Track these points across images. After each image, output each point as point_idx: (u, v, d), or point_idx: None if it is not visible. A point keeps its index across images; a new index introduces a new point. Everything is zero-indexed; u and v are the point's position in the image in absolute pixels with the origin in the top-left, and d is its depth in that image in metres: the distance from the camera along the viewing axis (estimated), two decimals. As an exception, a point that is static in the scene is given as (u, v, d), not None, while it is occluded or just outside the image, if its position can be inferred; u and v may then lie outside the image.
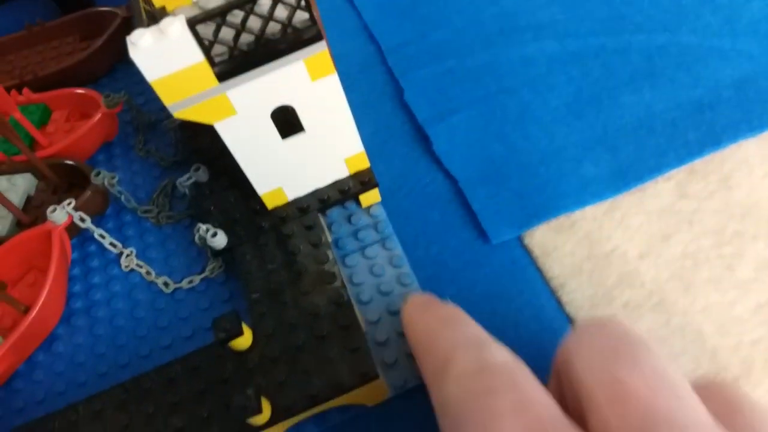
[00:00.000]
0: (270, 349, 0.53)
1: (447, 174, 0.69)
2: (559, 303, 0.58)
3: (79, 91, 0.78)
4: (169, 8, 0.54)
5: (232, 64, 0.49)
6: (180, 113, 0.50)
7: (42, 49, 0.89)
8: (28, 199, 0.74)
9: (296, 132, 0.57)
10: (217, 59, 0.48)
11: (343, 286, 0.56)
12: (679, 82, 0.69)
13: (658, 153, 0.64)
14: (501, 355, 0.41)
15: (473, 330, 0.45)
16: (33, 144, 0.76)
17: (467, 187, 0.66)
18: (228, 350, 0.53)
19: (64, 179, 0.74)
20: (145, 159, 0.77)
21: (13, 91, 0.79)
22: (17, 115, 0.72)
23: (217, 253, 0.62)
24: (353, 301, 0.58)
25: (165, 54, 0.45)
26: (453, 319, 0.47)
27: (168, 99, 0.48)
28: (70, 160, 0.72)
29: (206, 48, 0.47)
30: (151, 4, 0.53)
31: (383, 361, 0.55)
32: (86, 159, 0.78)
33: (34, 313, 0.61)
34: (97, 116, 0.75)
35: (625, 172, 0.63)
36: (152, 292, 0.66)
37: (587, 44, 0.75)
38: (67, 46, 0.88)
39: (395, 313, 0.57)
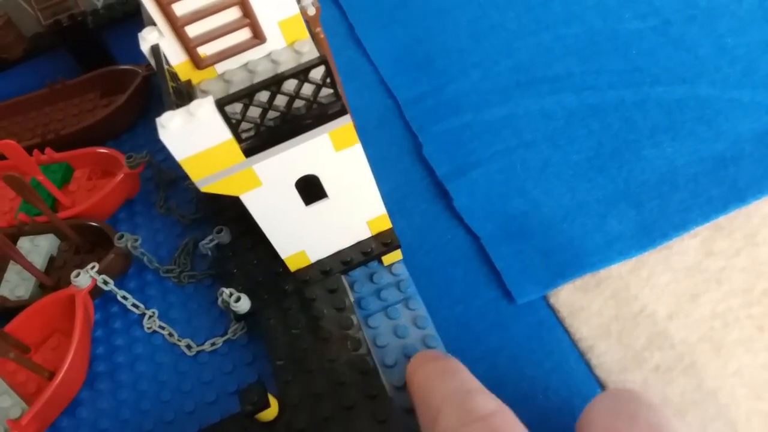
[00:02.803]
0: (297, 421, 0.53)
1: (468, 230, 0.68)
2: (588, 366, 0.57)
3: (102, 150, 0.79)
4: (194, 81, 0.55)
5: (259, 140, 0.49)
6: (207, 188, 0.50)
7: (63, 107, 0.90)
8: (51, 260, 0.74)
9: (320, 198, 0.57)
10: (243, 135, 0.49)
11: (369, 353, 0.56)
12: (700, 136, 0.69)
13: (683, 209, 0.63)
14: (486, 406, 0.44)
15: (464, 381, 0.47)
16: (55, 204, 0.77)
17: (490, 244, 0.66)
18: (254, 421, 0.53)
19: (86, 239, 0.74)
20: (166, 216, 0.78)
21: (36, 152, 0.80)
22: (40, 177, 0.73)
23: (240, 317, 0.62)
24: (378, 366, 0.57)
25: (194, 135, 0.45)
26: (447, 371, 0.49)
27: (195, 175, 0.49)
28: (94, 221, 0.73)
29: (234, 127, 0.47)
30: (177, 78, 0.54)
31: (411, 429, 0.54)
32: (108, 217, 0.79)
33: (58, 379, 0.61)
34: (120, 176, 0.75)
35: (650, 229, 0.63)
36: (175, 355, 0.66)
37: (605, 97, 0.75)
38: (88, 103, 0.90)
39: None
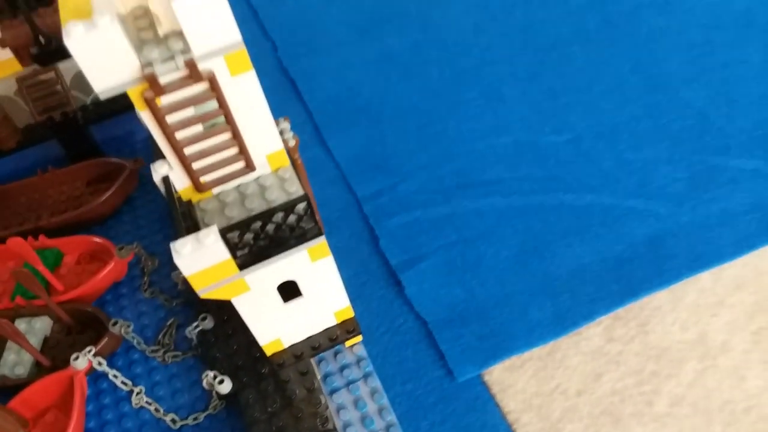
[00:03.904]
0: (275, 488, 0.63)
1: (418, 316, 0.81)
2: (514, 435, 0.70)
3: (96, 240, 0.88)
4: (194, 200, 0.67)
5: (250, 256, 0.61)
6: (206, 294, 0.61)
7: (52, 194, 0.99)
8: (45, 340, 0.82)
9: (295, 296, 0.69)
10: (238, 254, 0.60)
11: (335, 428, 0.67)
12: (603, 238, 0.85)
13: (589, 301, 0.78)
14: None
15: None
16: (48, 287, 0.85)
17: (435, 329, 0.79)
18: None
19: (77, 320, 0.83)
20: (151, 299, 0.87)
21: (30, 238, 0.88)
22: (40, 267, 0.82)
23: (222, 397, 0.72)
24: (342, 435, 0.68)
25: (201, 257, 0.57)
26: None
27: (198, 286, 0.60)
28: (87, 306, 0.81)
29: (232, 249, 0.59)
30: (181, 201, 0.65)
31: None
32: (96, 299, 0.87)
33: (57, 454, 0.69)
34: (111, 265, 0.85)
35: (563, 318, 0.77)
36: (161, 429, 0.75)
37: (528, 201, 0.91)
38: (75, 191, 0.99)
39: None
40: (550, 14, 1.21)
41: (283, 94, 1.16)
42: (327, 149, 1.04)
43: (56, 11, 0.85)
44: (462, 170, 0.97)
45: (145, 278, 0.89)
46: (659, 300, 0.78)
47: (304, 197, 0.60)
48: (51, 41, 0.84)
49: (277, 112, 1.24)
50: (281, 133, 0.70)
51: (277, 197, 0.65)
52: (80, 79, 1.02)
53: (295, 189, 0.65)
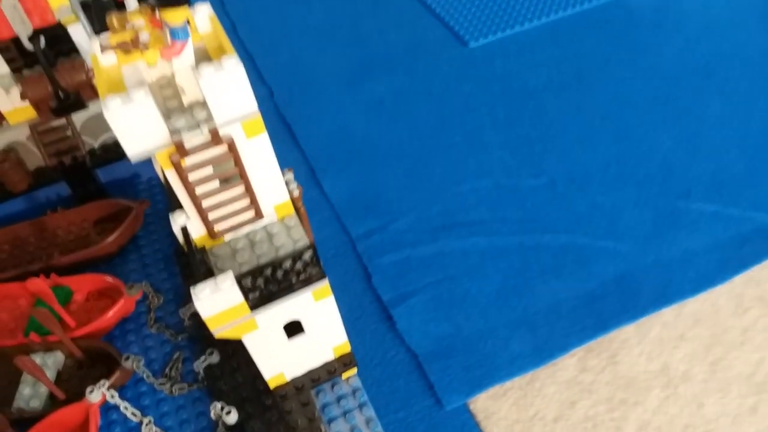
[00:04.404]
0: None
1: (409, 348, 0.88)
2: (498, 459, 0.77)
3: (108, 279, 0.94)
4: (207, 246, 0.73)
5: (261, 299, 0.68)
6: (220, 334, 0.67)
7: (61, 233, 1.04)
8: (58, 374, 0.87)
9: (299, 333, 0.75)
10: (250, 296, 0.67)
11: (335, 454, 0.73)
12: (577, 276, 0.93)
13: (564, 335, 0.86)
14: None
15: None
16: (61, 324, 0.91)
17: (425, 361, 0.86)
18: None
19: (88, 355, 0.88)
20: (157, 334, 0.93)
21: (42, 276, 0.94)
22: (56, 306, 0.87)
23: (229, 428, 0.78)
24: (340, 463, 0.74)
25: (218, 301, 0.63)
26: None
27: (213, 326, 0.66)
28: (99, 342, 0.87)
29: (245, 293, 0.65)
30: (196, 247, 0.72)
31: None
32: (105, 335, 0.93)
33: (74, 482, 0.74)
34: (121, 302, 0.90)
35: (541, 350, 0.85)
36: (170, 457, 0.81)
37: (509, 241, 0.99)
38: (83, 231, 1.05)
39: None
40: (526, 65, 1.30)
41: (280, 137, 1.23)
42: (322, 191, 1.12)
43: (74, 68, 0.92)
44: (448, 211, 1.05)
45: (151, 314, 0.95)
46: (627, 333, 0.86)
47: (310, 246, 0.67)
48: (69, 96, 0.90)
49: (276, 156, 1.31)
50: (287, 183, 0.77)
51: (283, 243, 0.72)
52: (89, 125, 1.09)
53: (300, 236, 0.72)
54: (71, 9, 0.97)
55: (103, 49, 0.61)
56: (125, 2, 1.17)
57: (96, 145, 1.11)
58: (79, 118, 1.06)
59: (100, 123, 1.09)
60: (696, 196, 1.01)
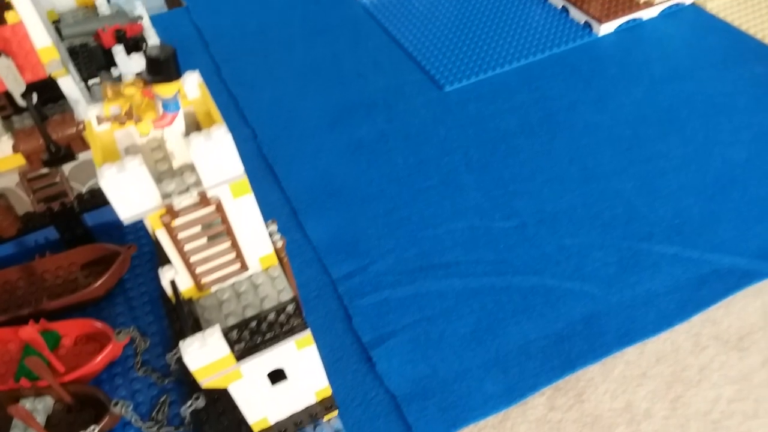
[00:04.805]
0: None
1: (387, 390, 0.92)
2: (472, 497, 0.81)
3: (97, 324, 0.97)
4: (194, 297, 0.77)
5: (246, 350, 0.71)
6: (207, 384, 0.71)
7: (49, 277, 1.07)
8: (48, 419, 0.89)
9: (282, 380, 0.79)
10: (235, 347, 0.71)
11: (317, 497, 0.77)
12: (546, 317, 0.98)
13: (534, 375, 0.91)
14: None
15: None
16: (51, 369, 0.93)
17: (403, 402, 0.90)
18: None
19: (77, 399, 0.91)
20: (144, 377, 0.96)
21: (31, 321, 0.96)
22: (45, 352, 0.90)
23: (216, 469, 0.81)
24: (323, 504, 0.78)
25: (206, 354, 0.67)
26: None
27: (201, 377, 0.70)
28: (88, 387, 0.90)
29: (231, 345, 0.69)
30: (184, 299, 0.75)
31: None
32: (93, 379, 0.95)
33: None
34: (109, 347, 0.93)
35: (513, 390, 0.90)
36: (157, 500, 0.83)
37: (482, 282, 1.04)
38: (71, 275, 1.07)
39: None
40: (498, 108, 1.37)
41: (263, 179, 1.28)
42: (304, 232, 1.16)
43: (65, 122, 0.95)
44: (424, 253, 1.10)
45: (138, 357, 0.98)
46: (593, 372, 0.91)
47: (293, 299, 0.71)
48: (59, 148, 0.94)
49: (258, 197, 1.36)
50: (270, 235, 0.81)
51: (268, 294, 0.76)
52: (77, 171, 1.12)
53: (283, 286, 0.77)
54: (61, 62, 1.01)
55: (100, 121, 0.65)
56: (112, 50, 1.22)
57: (84, 190, 1.14)
58: (67, 165, 1.09)
59: (87, 169, 1.12)
60: (657, 238, 1.07)
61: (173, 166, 0.69)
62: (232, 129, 1.51)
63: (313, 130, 1.37)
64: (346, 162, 1.29)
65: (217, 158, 0.65)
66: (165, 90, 0.64)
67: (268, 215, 1.24)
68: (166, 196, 0.66)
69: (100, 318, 1.01)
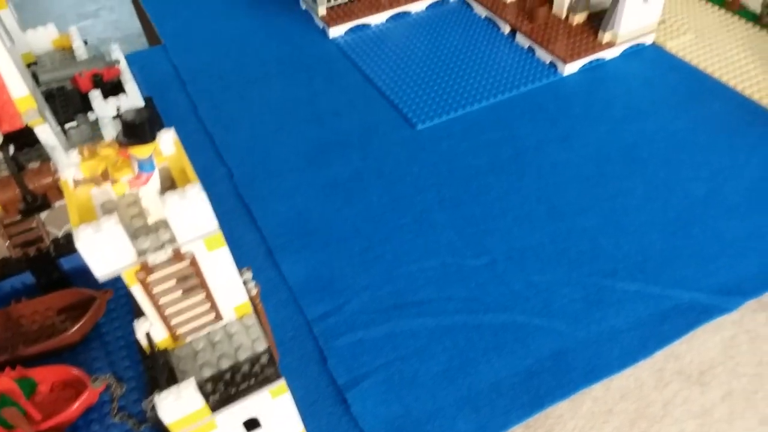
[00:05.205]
0: None
1: (362, 431, 0.94)
2: None
3: (74, 371, 0.97)
4: (170, 347, 0.79)
5: (221, 401, 0.73)
6: (183, 436, 0.72)
7: (25, 323, 1.07)
8: (22, 470, 0.90)
9: (256, 427, 0.80)
10: (210, 399, 0.73)
11: None
12: (516, 354, 1.01)
13: (504, 413, 0.93)
14: None
15: None
16: (27, 417, 0.93)
17: (378, 444, 0.92)
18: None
19: (52, 448, 0.91)
20: (120, 424, 0.96)
21: (8, 368, 0.96)
22: (21, 401, 0.90)
23: None
24: None
25: (181, 406, 0.69)
26: None
27: (176, 429, 0.71)
28: (64, 436, 0.90)
29: (206, 397, 0.71)
30: (159, 350, 0.77)
31: None
32: (69, 425, 0.96)
33: None
34: (85, 395, 0.94)
35: (485, 428, 0.92)
36: None
37: (454, 320, 1.06)
38: (47, 320, 1.08)
39: None
40: (470, 146, 1.41)
41: (239, 219, 1.29)
42: (280, 272, 1.18)
43: (41, 172, 0.97)
44: (398, 291, 1.12)
45: (114, 404, 0.98)
46: (561, 409, 0.94)
47: (267, 350, 0.73)
48: (36, 198, 0.96)
49: (234, 236, 1.38)
50: (245, 282, 0.84)
51: (242, 343, 0.78)
52: (54, 216, 1.13)
53: (257, 336, 0.79)
54: (38, 111, 1.02)
55: (77, 184, 0.67)
56: (89, 95, 1.24)
57: (60, 234, 1.15)
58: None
59: (64, 214, 1.13)
60: (621, 274, 1.11)
61: (148, 222, 0.71)
62: (209, 168, 1.53)
63: (289, 169, 1.40)
64: (322, 200, 1.32)
65: (191, 216, 0.68)
66: (141, 152, 0.67)
67: (244, 255, 1.26)
68: (141, 253, 0.68)
69: (77, 363, 1.01)
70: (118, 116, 0.66)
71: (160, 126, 1.46)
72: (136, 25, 2.52)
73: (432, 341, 1.04)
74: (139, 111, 0.65)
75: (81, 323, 1.04)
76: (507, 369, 0.99)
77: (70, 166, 0.69)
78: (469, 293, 1.11)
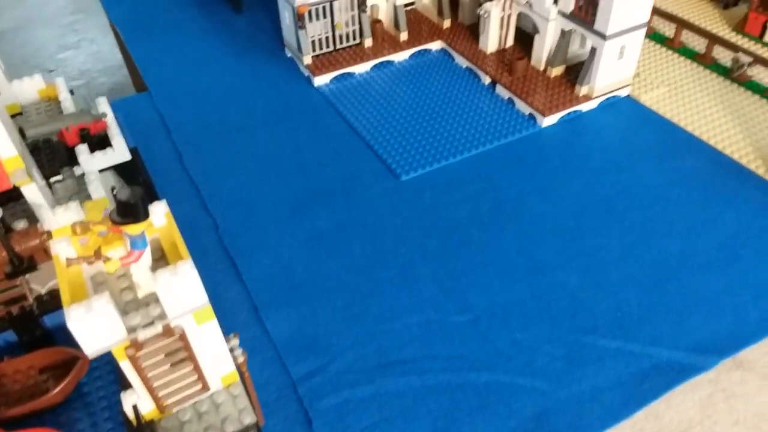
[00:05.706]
0: None
1: (347, 494, 0.94)
2: None
3: (53, 436, 0.96)
4: (156, 418, 0.79)
5: (208, 474, 0.73)
6: None
7: (7, 382, 1.06)
8: None
9: (243, 496, 0.80)
10: (198, 473, 0.73)
11: None
12: (499, 415, 1.02)
13: (489, 476, 0.94)
14: None
15: None
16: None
17: (362, 507, 0.92)
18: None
19: None
20: (101, 487, 0.95)
21: (-13, 434, 0.95)
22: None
23: None
24: None
25: (168, 484, 0.69)
26: None
27: (163, 505, 0.71)
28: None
29: (194, 472, 0.71)
30: (147, 423, 0.77)
31: None
32: (48, 490, 0.94)
33: None
34: (67, 458, 0.93)
35: (469, 492, 0.93)
36: None
37: (438, 380, 1.08)
38: (29, 379, 1.07)
39: None
40: (452, 198, 1.44)
41: (225, 273, 1.30)
42: (265, 329, 1.18)
43: (28, 235, 0.97)
44: (382, 349, 1.13)
45: (97, 468, 0.97)
46: (545, 471, 0.95)
47: (255, 424, 0.74)
48: (22, 261, 0.96)
49: (219, 292, 1.38)
50: (231, 350, 0.84)
51: (229, 414, 0.78)
52: (38, 273, 1.13)
53: (244, 406, 0.79)
54: (25, 171, 1.03)
55: (69, 263, 0.68)
56: (76, 149, 1.25)
57: (43, 291, 1.14)
58: (28, 267, 1.10)
59: (48, 271, 1.13)
60: (601, 331, 1.13)
61: (138, 296, 0.72)
62: (194, 219, 1.53)
63: (274, 220, 1.41)
64: (307, 253, 1.33)
65: (182, 292, 0.69)
66: (133, 229, 0.68)
67: (229, 311, 1.27)
68: (131, 330, 0.68)
69: (58, 424, 1.00)
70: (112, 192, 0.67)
71: (147, 183, 1.47)
72: (117, 56, 2.54)
73: (417, 402, 1.05)
74: (133, 190, 0.67)
75: (64, 384, 1.03)
76: (490, 431, 1.00)
77: (62, 243, 0.70)
78: (453, 351, 1.12)
